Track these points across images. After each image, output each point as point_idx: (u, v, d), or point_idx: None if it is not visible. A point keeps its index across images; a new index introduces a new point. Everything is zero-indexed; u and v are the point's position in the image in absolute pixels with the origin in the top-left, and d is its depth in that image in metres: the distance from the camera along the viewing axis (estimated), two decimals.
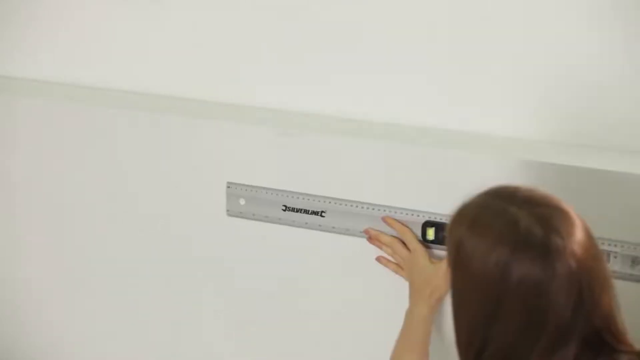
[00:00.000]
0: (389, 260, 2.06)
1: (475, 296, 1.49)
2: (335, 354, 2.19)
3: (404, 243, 2.03)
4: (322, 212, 2.11)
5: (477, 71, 2.03)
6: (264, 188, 2.15)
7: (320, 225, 2.11)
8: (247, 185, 2.17)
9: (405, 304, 1.99)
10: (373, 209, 2.06)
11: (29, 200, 2.43)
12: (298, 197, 2.12)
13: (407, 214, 2.02)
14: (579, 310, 1.46)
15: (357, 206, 2.07)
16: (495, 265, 1.46)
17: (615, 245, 1.86)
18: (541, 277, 1.44)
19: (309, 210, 2.12)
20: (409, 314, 1.97)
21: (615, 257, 1.86)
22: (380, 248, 2.06)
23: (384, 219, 2.04)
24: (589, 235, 1.49)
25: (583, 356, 1.47)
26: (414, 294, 1.98)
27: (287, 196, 2.13)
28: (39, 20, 2.43)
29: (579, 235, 1.46)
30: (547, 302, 1.45)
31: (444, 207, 1.97)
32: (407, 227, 2.02)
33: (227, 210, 2.20)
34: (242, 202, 2.18)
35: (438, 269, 1.97)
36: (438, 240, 1.99)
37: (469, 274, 1.50)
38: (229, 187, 2.19)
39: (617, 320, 1.51)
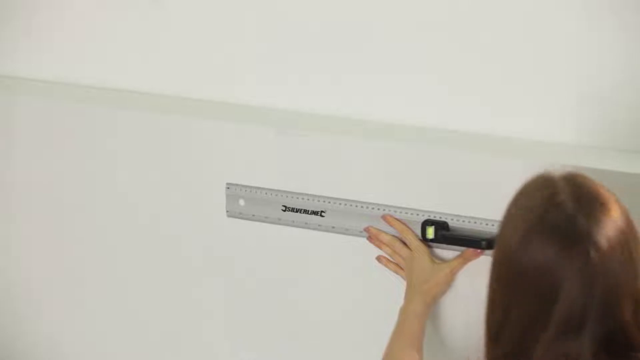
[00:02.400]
0: (389, 260, 2.06)
1: (498, 269, 1.46)
2: (336, 354, 2.19)
3: (404, 242, 2.03)
4: (322, 212, 2.10)
5: (476, 71, 2.03)
6: (263, 189, 2.15)
7: (320, 225, 2.11)
8: (247, 186, 2.17)
9: None
10: (372, 208, 2.05)
11: (28, 200, 2.43)
12: (297, 197, 2.12)
13: (406, 212, 2.02)
14: (593, 306, 1.40)
15: (356, 206, 2.07)
16: (516, 234, 1.43)
17: None
18: (554, 260, 1.39)
19: (308, 210, 2.12)
20: (404, 310, 1.96)
21: None
22: (380, 247, 2.05)
23: (384, 218, 2.04)
24: (625, 237, 1.41)
25: (598, 357, 1.41)
26: (411, 290, 1.98)
27: (287, 196, 2.13)
28: (39, 20, 2.43)
29: (610, 230, 1.40)
30: (558, 288, 1.39)
31: (444, 206, 1.99)
32: (408, 226, 2.02)
33: (227, 211, 2.20)
34: (241, 202, 2.18)
35: (439, 269, 1.97)
36: (437, 239, 1.99)
37: (499, 241, 1.46)
38: (228, 188, 2.19)
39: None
